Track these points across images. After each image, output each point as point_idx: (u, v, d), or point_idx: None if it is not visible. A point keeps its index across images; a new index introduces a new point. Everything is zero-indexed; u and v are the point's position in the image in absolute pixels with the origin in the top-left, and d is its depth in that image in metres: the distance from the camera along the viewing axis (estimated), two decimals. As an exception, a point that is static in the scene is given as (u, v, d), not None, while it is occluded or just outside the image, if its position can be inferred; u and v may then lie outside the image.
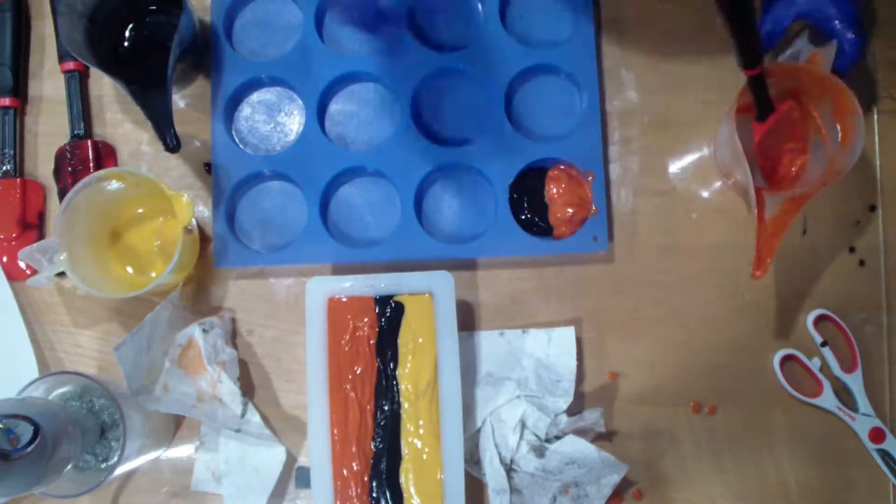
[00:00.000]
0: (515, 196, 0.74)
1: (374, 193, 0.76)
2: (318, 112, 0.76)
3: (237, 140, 0.77)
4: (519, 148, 0.74)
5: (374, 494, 0.67)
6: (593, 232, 0.73)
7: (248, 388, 0.74)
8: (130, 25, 0.77)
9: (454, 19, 0.78)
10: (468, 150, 0.74)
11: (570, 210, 0.73)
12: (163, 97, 0.69)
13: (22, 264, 0.74)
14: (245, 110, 0.78)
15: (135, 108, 0.76)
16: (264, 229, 0.76)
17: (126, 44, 0.77)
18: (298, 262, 0.74)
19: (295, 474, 0.72)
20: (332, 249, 0.73)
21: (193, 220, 0.72)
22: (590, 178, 0.73)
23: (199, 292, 0.75)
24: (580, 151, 0.74)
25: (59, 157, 0.77)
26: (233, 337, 0.75)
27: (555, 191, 0.73)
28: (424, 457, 0.67)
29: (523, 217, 0.74)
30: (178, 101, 0.78)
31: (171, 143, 0.68)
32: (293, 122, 0.77)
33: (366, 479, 0.67)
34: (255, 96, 0.78)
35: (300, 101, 0.77)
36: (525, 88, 0.77)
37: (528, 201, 0.74)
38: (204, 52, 0.78)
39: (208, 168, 0.76)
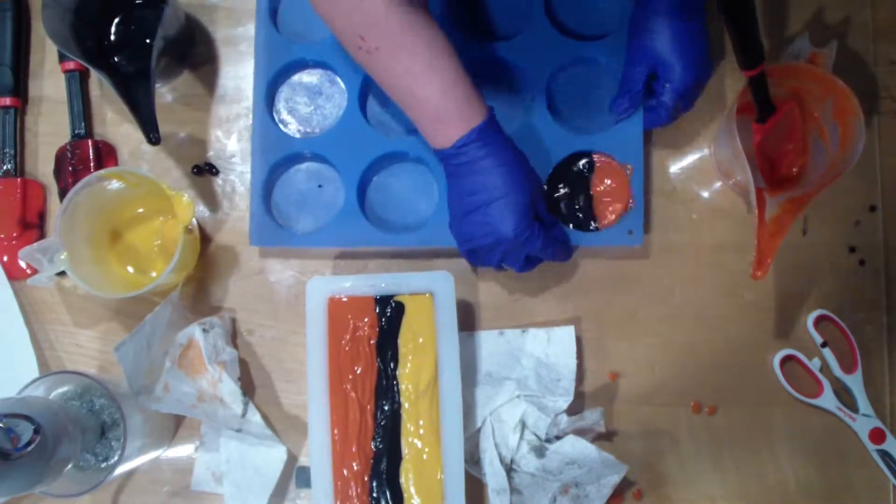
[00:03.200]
0: (551, 187, 0.74)
1: (412, 180, 0.76)
2: (360, 96, 0.76)
3: (276, 121, 0.77)
4: (557, 139, 0.74)
5: (374, 494, 0.67)
6: (629, 226, 0.73)
7: (248, 388, 0.74)
8: (117, 19, 0.77)
9: (502, 8, 0.78)
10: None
11: (609, 205, 0.73)
12: (146, 90, 0.69)
13: (22, 264, 0.74)
14: (285, 91, 0.78)
15: (135, 107, 0.76)
16: (300, 210, 0.76)
17: (112, 37, 0.77)
18: (333, 244, 0.74)
19: (295, 474, 0.72)
20: (368, 233, 0.73)
21: (194, 219, 0.72)
22: (628, 171, 0.73)
23: (199, 292, 0.75)
24: (619, 144, 0.73)
25: (60, 157, 0.77)
26: (233, 337, 0.75)
27: (601, 184, 0.73)
28: (424, 457, 0.67)
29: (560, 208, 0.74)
30: (166, 94, 0.78)
31: (154, 136, 0.69)
32: (333, 105, 0.77)
33: (366, 478, 0.67)
34: (297, 78, 0.78)
35: (341, 85, 0.77)
36: (566, 80, 0.76)
37: (565, 192, 0.74)
38: (190, 45, 0.78)
39: (197, 171, 0.76)
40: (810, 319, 0.73)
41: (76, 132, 0.77)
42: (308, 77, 0.78)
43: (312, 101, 0.78)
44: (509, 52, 0.76)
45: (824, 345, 0.73)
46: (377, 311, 0.69)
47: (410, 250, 0.75)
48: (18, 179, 0.76)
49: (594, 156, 0.74)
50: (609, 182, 0.73)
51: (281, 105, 0.78)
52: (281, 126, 0.77)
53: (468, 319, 0.74)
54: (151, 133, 0.69)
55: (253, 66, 0.76)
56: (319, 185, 0.76)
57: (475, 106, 0.61)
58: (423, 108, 0.61)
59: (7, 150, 0.77)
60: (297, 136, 0.77)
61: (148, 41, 0.70)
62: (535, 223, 0.64)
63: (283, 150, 0.75)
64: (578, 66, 0.76)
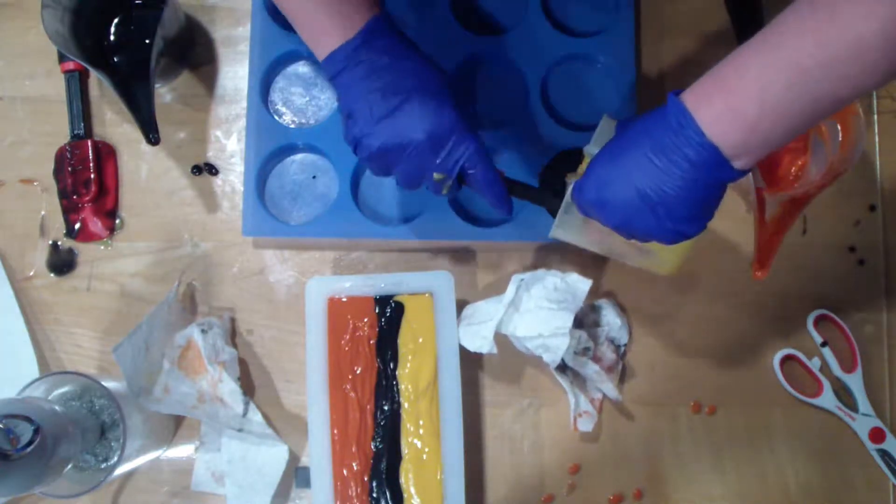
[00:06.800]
0: (545, 182, 0.74)
1: None
2: None
3: (271, 111, 0.77)
4: (551, 135, 0.74)
5: (374, 494, 0.67)
6: None
7: (248, 388, 0.74)
8: (116, 20, 0.77)
9: (497, 2, 0.78)
10: (501, 134, 0.74)
11: None
12: (146, 90, 0.69)
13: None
14: (280, 82, 0.78)
15: (135, 107, 0.76)
16: (294, 201, 0.76)
17: (112, 38, 0.77)
18: (326, 235, 0.74)
19: (295, 474, 0.72)
20: (361, 225, 0.73)
21: None
22: None
23: (198, 292, 0.75)
24: None
25: (59, 158, 0.77)
26: (232, 337, 0.75)
27: None
28: (424, 457, 0.67)
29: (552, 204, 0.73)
30: (165, 94, 0.78)
31: (153, 136, 0.69)
32: (328, 96, 0.78)
33: (366, 478, 0.67)
34: (292, 69, 0.78)
35: None
36: (562, 75, 0.77)
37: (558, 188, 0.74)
38: (189, 46, 0.79)
39: (196, 171, 0.77)
40: (810, 319, 0.73)
41: (75, 132, 0.77)
42: (303, 68, 0.78)
43: (307, 92, 0.78)
44: (504, 46, 0.76)
45: (824, 344, 0.73)
46: (377, 311, 0.69)
47: (409, 246, 0.75)
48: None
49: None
50: None
51: (276, 96, 0.78)
52: (275, 117, 0.77)
53: (468, 319, 0.74)
54: (151, 133, 0.69)
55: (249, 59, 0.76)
56: (313, 176, 0.77)
57: (363, 6, 0.55)
58: (306, 16, 0.56)
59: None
60: (292, 126, 0.77)
61: (147, 41, 0.70)
62: (457, 132, 0.56)
63: (278, 141, 0.75)
64: (573, 62, 0.77)
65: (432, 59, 0.58)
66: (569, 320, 0.65)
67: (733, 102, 0.46)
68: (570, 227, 0.61)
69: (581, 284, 0.67)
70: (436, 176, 0.57)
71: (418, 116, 0.55)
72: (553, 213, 0.61)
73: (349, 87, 0.55)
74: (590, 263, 0.75)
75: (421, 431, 0.67)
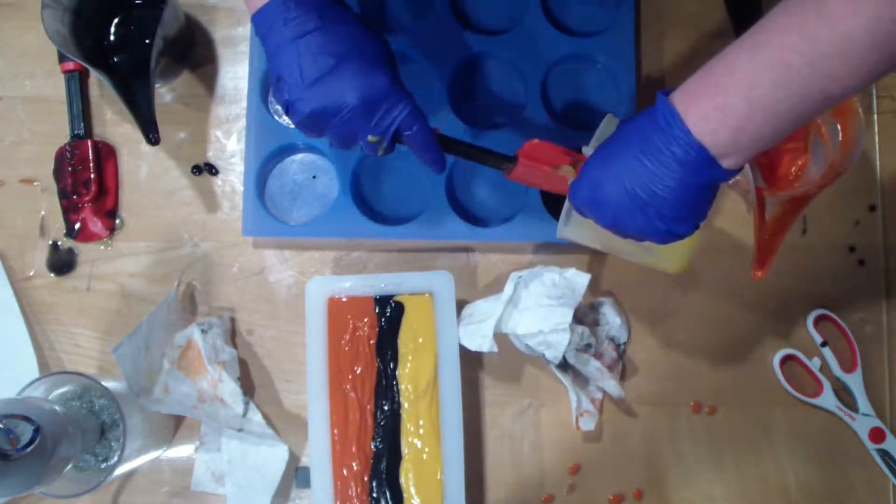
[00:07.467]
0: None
1: (406, 172, 0.76)
2: None
3: (271, 111, 0.77)
4: (551, 135, 0.74)
5: (374, 494, 0.67)
6: None
7: (248, 388, 0.74)
8: (116, 20, 0.77)
9: (498, 2, 0.78)
10: (502, 134, 0.74)
11: None
12: (146, 90, 0.69)
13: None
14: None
15: (135, 107, 0.76)
16: (294, 201, 0.76)
17: (112, 38, 0.77)
18: (326, 235, 0.74)
19: (295, 474, 0.72)
20: (361, 225, 0.73)
21: None
22: None
23: (198, 292, 0.75)
24: None
25: (59, 158, 0.77)
26: (232, 337, 0.75)
27: None
28: (424, 457, 0.67)
29: (552, 203, 0.73)
30: (165, 94, 0.78)
31: (153, 137, 0.69)
32: None
33: (366, 478, 0.67)
34: None
35: None
36: (562, 75, 0.77)
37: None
38: (189, 46, 0.79)
39: (196, 171, 0.77)
40: (810, 319, 0.73)
41: (75, 133, 0.77)
42: None
43: None
44: (504, 46, 0.76)
45: (824, 344, 0.73)
46: (377, 311, 0.70)
47: (409, 246, 0.75)
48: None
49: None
50: None
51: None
52: (275, 117, 0.77)
53: (468, 319, 0.74)
54: (151, 133, 0.69)
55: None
56: (313, 176, 0.77)
57: None
58: None
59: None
60: (292, 126, 0.77)
61: (147, 41, 0.70)
62: (391, 95, 0.55)
63: (278, 141, 0.75)
64: (573, 62, 0.77)
65: (362, 20, 0.57)
66: (568, 316, 0.65)
67: (721, 101, 0.46)
68: (575, 226, 0.62)
69: (579, 279, 0.67)
70: (370, 138, 0.56)
71: (350, 80, 0.54)
72: (495, 169, 0.61)
73: (279, 47, 0.55)
74: (589, 263, 0.75)
75: (421, 431, 0.67)
